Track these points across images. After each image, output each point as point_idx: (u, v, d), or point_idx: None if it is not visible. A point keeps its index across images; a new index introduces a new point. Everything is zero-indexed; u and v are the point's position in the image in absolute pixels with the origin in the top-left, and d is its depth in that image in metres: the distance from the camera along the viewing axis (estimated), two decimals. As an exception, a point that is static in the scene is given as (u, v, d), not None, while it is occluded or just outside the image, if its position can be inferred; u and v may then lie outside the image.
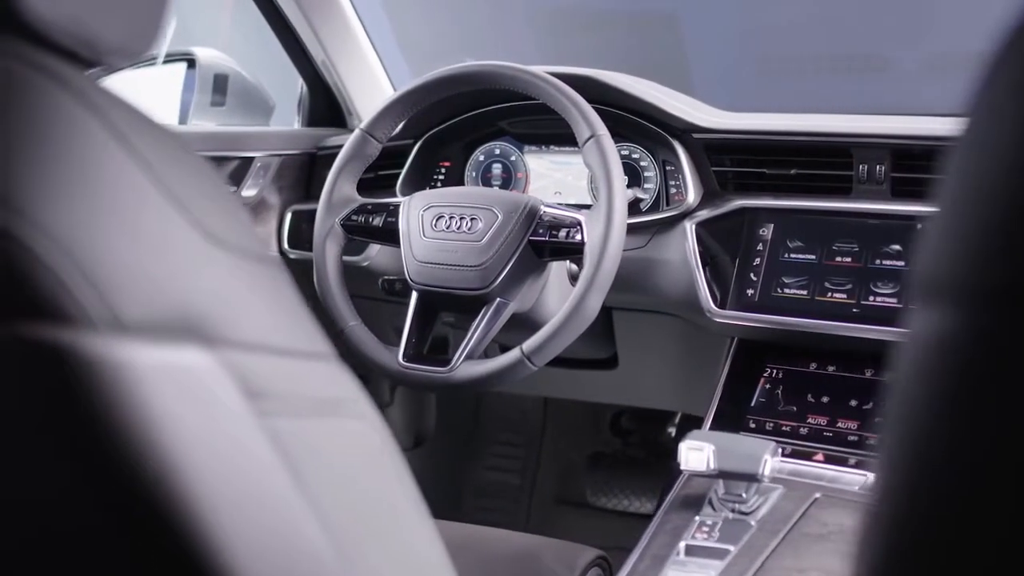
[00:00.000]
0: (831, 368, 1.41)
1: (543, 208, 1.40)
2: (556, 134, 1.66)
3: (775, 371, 1.43)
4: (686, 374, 1.67)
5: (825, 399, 1.38)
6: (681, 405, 1.81)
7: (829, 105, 1.57)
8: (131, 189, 0.53)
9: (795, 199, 1.47)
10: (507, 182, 1.71)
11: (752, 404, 1.41)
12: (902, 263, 1.36)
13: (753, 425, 1.39)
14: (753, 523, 1.17)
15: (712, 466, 1.20)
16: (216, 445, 0.52)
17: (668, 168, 1.57)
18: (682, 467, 1.24)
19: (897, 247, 1.37)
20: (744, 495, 1.20)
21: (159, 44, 0.65)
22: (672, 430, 2.07)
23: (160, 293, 0.51)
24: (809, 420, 1.37)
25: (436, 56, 2.08)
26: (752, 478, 1.19)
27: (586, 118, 1.37)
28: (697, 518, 1.19)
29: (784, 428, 1.38)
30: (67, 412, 0.48)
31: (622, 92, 1.53)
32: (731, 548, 1.13)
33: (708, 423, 1.42)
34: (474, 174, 1.72)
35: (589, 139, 1.36)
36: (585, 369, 1.72)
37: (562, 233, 1.37)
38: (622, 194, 1.34)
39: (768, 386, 1.42)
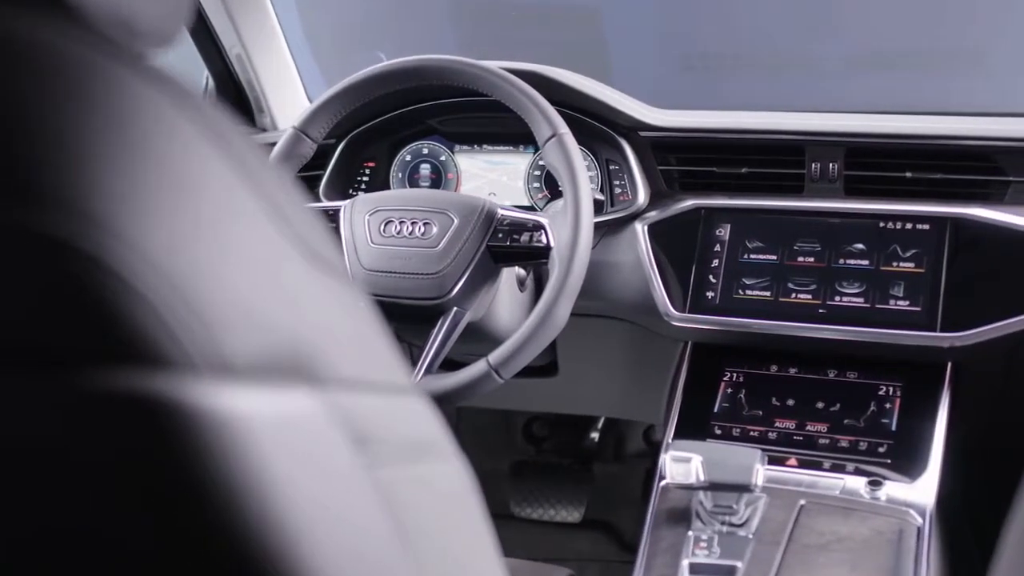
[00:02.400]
0: (792, 370, 1.39)
1: (500, 211, 1.32)
2: (489, 133, 1.59)
3: (735, 375, 1.40)
4: (632, 380, 1.63)
5: (791, 402, 1.35)
6: (626, 412, 1.77)
7: (752, 103, 1.55)
8: (233, 200, 0.44)
9: (748, 198, 1.44)
10: (436, 183, 1.63)
11: (715, 410, 1.37)
12: (866, 262, 1.34)
13: (719, 431, 1.35)
14: (750, 536, 1.13)
15: (702, 478, 1.15)
16: (328, 505, 0.43)
17: (612, 168, 1.51)
18: (668, 479, 1.19)
19: (860, 246, 1.35)
20: (735, 506, 1.16)
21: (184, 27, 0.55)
22: (595, 435, 2.02)
23: (269, 326, 0.42)
24: (777, 424, 1.34)
25: (346, 50, 1.98)
26: (744, 488, 1.15)
27: (547, 116, 1.30)
28: (691, 533, 1.14)
29: (752, 433, 1.34)
30: (164, 474, 0.38)
31: (568, 88, 1.47)
32: (737, 564, 1.08)
33: (671, 431, 1.38)
34: (400, 175, 1.63)
35: (551, 138, 1.29)
36: (522, 377, 1.65)
37: (524, 237, 1.30)
38: (588, 194, 1.28)
39: (730, 391, 1.39)
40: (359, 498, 0.45)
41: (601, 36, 1.93)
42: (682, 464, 1.16)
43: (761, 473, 1.16)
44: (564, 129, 1.30)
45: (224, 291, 0.40)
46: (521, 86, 1.31)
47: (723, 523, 1.16)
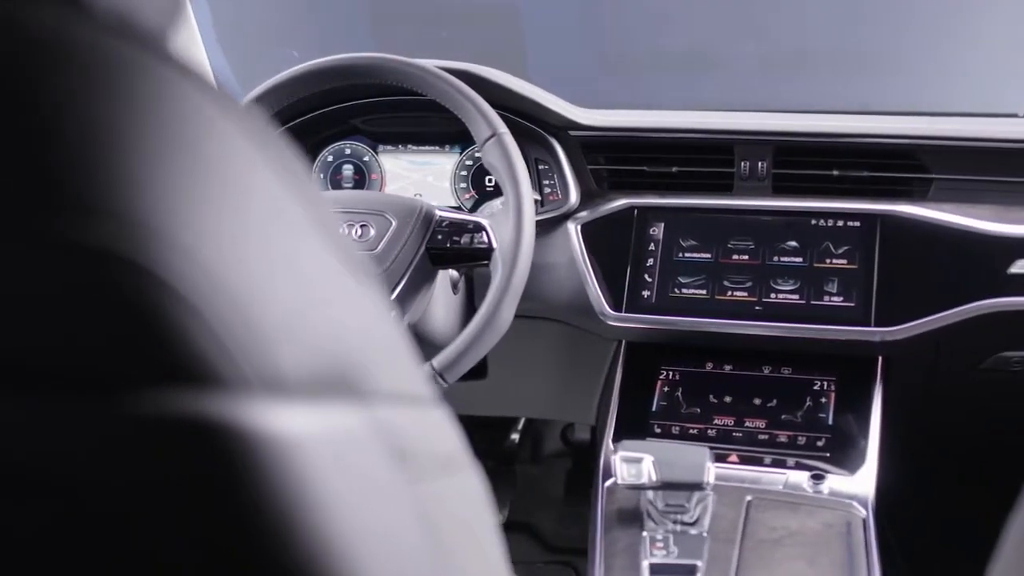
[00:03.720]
0: (728, 367, 1.40)
1: (438, 212, 1.30)
2: (414, 132, 1.56)
3: (671, 373, 1.40)
4: (563, 380, 1.62)
5: (728, 399, 1.36)
6: (557, 413, 1.76)
7: (670, 103, 1.56)
8: (279, 205, 0.41)
9: (680, 197, 1.44)
10: (359, 184, 1.59)
11: (653, 409, 1.37)
12: (800, 259, 1.36)
13: (658, 430, 1.35)
14: (704, 534, 1.13)
15: (654, 478, 1.15)
16: (376, 523, 0.42)
17: (541, 167, 1.50)
18: (619, 480, 1.18)
19: (793, 243, 1.37)
20: (686, 505, 1.16)
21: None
22: (516, 436, 2.01)
23: (318, 340, 0.40)
24: (715, 421, 1.35)
25: (258, 48, 1.91)
26: (697, 487, 1.15)
27: (485, 116, 1.28)
28: (645, 533, 1.14)
29: (692, 431, 1.35)
30: (219, 498, 0.36)
31: (499, 87, 1.45)
32: (697, 563, 1.08)
33: (610, 431, 1.37)
34: (322, 176, 1.59)
35: (490, 138, 1.28)
36: (452, 380, 1.63)
37: (464, 238, 1.28)
38: (529, 194, 1.27)
39: (666, 389, 1.39)
40: (402, 515, 0.43)
41: (519, 36, 1.92)
42: (634, 464, 1.15)
43: (712, 471, 1.16)
44: (503, 129, 1.29)
45: (277, 303, 0.38)
46: (459, 86, 1.29)
47: (675, 522, 1.16)
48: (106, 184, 0.35)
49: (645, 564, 1.09)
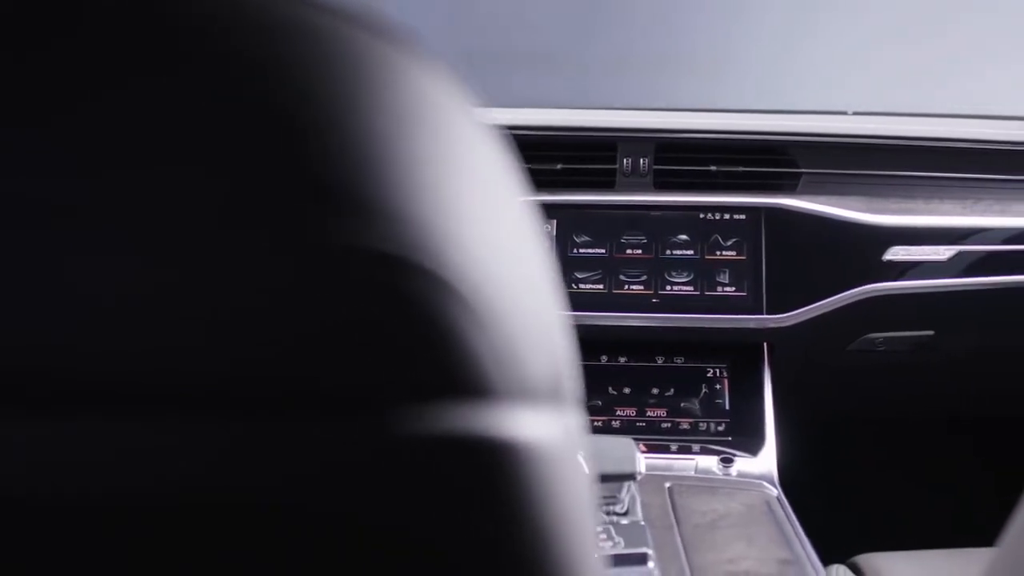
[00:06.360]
0: (622, 359, 1.43)
1: None
2: None
3: (567, 367, 1.42)
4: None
5: (627, 390, 1.40)
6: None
7: (514, 101, 1.58)
8: (512, 200, 0.40)
9: (566, 194, 1.46)
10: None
11: (555, 403, 1.39)
12: (691, 252, 1.41)
13: (563, 424, 1.37)
14: (642, 522, 1.15)
15: (586, 471, 1.16)
16: (588, 526, 0.42)
17: (425, 166, 1.49)
18: (551, 476, 1.19)
19: (684, 237, 1.42)
20: (618, 496, 1.18)
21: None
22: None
23: (547, 345, 0.39)
24: (618, 413, 1.38)
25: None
26: (630, 477, 1.17)
27: None
28: (584, 526, 1.15)
29: (596, 424, 1.37)
30: (485, 518, 0.35)
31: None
32: (647, 551, 1.10)
33: (515, 428, 1.38)
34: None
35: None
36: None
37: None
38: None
39: (565, 383, 1.41)
40: (590, 512, 0.44)
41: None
42: (565, 459, 1.16)
43: (643, 460, 1.19)
44: None
45: (528, 310, 0.37)
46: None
47: (608, 513, 1.17)
48: (382, 184, 0.33)
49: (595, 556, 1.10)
